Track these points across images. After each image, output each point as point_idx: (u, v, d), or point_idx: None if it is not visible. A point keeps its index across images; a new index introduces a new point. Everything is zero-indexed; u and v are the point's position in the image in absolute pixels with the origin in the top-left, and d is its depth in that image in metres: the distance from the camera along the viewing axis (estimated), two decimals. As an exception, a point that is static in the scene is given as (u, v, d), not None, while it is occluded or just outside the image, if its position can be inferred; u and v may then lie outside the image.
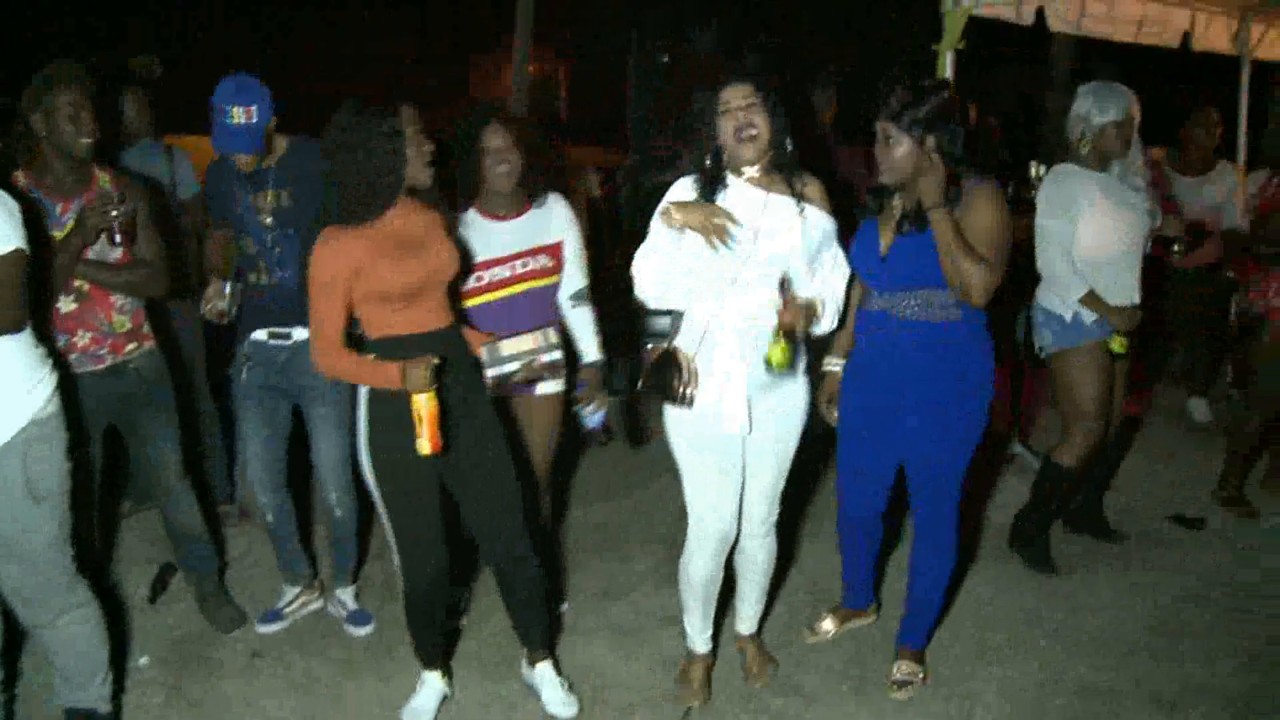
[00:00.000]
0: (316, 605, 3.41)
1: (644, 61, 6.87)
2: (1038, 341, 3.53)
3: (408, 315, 2.43)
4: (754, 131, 2.44)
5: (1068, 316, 3.38)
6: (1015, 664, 3.04)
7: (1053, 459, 3.56)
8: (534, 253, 2.98)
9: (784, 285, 2.44)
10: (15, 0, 12.79)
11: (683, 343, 2.55)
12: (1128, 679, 2.96)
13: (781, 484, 2.75)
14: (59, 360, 2.57)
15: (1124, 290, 3.38)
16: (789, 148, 2.51)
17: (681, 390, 2.50)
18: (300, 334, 3.00)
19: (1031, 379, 4.67)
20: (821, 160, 4.97)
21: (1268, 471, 4.35)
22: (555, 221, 3.01)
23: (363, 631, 3.26)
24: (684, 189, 2.54)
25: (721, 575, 2.78)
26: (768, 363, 2.40)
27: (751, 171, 2.50)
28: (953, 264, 2.46)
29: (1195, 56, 5.76)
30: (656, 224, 2.46)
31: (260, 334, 3.07)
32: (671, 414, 2.60)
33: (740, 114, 2.43)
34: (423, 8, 16.28)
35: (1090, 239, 3.32)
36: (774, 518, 2.78)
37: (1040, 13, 4.79)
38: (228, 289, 3.11)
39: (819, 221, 2.54)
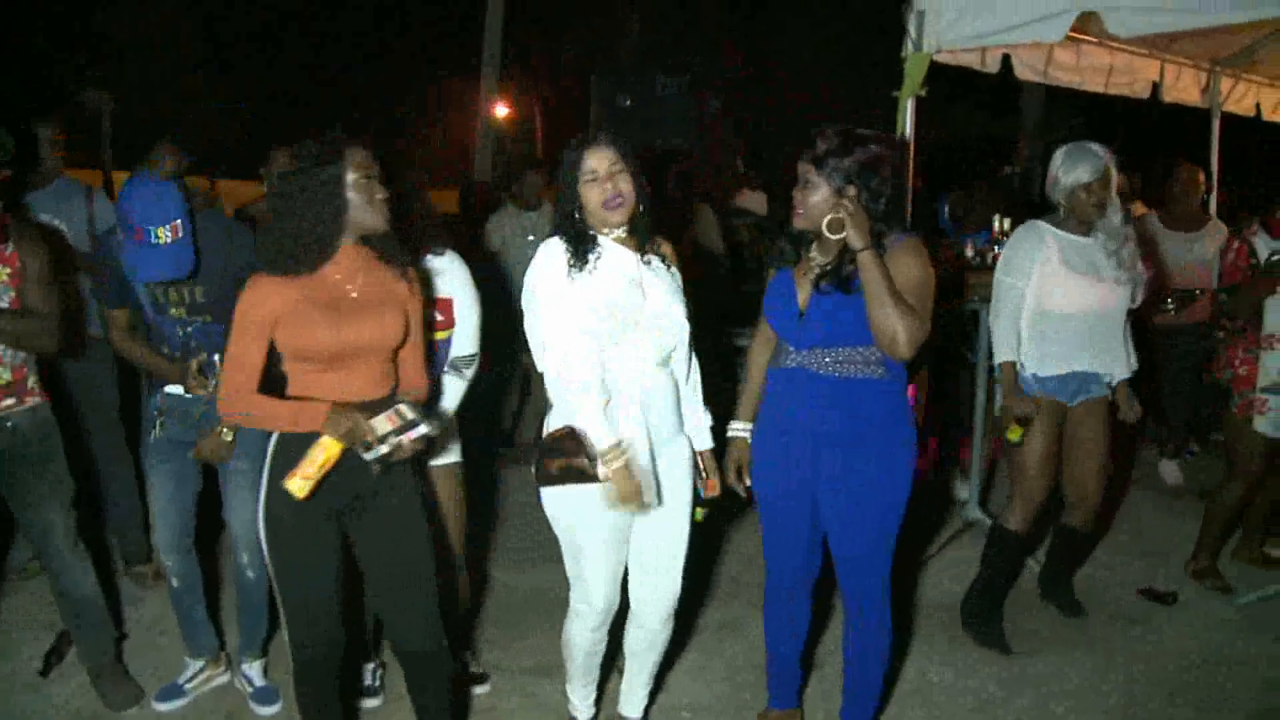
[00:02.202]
0: (222, 680, 3.17)
1: (604, 105, 6.72)
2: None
3: (330, 380, 2.24)
4: (620, 200, 2.37)
5: None
6: (972, 758, 2.81)
7: (998, 523, 3.48)
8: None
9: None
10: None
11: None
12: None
13: (680, 563, 2.57)
14: None
15: (1075, 360, 3.24)
16: (645, 208, 2.45)
17: (593, 468, 2.30)
18: None
19: (998, 441, 4.47)
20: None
21: (1240, 542, 4.16)
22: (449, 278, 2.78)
23: (269, 711, 3.03)
24: (554, 250, 2.40)
25: (605, 647, 2.69)
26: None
27: (619, 232, 2.44)
28: (881, 311, 2.29)
29: (1166, 108, 5.68)
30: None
31: (175, 387, 2.87)
32: (555, 489, 2.44)
33: (607, 183, 2.36)
34: (396, 31, 16.20)
35: (1036, 300, 3.21)
36: (676, 604, 2.61)
37: (1006, 60, 4.66)
38: (199, 369, 2.78)
39: (678, 280, 2.52)
